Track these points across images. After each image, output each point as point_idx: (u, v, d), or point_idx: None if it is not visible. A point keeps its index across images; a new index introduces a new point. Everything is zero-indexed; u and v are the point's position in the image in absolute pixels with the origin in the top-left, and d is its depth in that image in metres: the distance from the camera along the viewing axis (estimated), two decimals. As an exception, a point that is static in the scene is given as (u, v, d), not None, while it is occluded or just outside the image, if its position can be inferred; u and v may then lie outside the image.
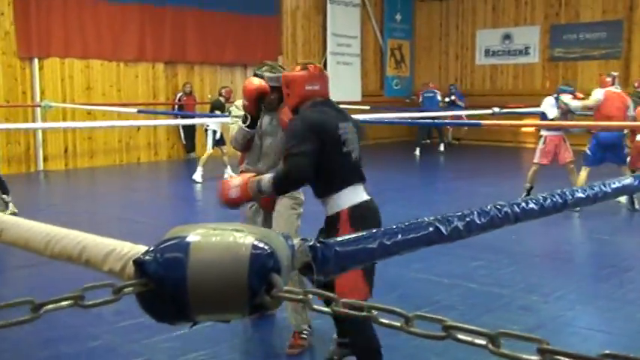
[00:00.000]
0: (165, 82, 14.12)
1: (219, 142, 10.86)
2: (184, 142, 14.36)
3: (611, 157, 8.02)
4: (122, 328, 4.06)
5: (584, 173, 7.93)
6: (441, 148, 15.81)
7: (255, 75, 3.93)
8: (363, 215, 3.04)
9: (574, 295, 4.94)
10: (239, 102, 4.17)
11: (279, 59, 16.08)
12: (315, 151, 2.96)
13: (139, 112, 10.49)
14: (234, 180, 3.10)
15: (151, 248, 0.98)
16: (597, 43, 16.34)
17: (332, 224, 3.07)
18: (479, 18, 18.51)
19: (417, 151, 14.94)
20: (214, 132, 10.77)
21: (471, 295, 4.87)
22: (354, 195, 3.07)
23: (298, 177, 2.98)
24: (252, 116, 3.86)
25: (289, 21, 16.42)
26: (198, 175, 10.52)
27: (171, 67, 14.26)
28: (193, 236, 0.97)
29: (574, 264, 6.05)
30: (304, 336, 3.77)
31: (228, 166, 10.89)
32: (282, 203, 3.86)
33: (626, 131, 8.18)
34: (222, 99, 10.98)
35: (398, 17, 18.94)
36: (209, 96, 14.60)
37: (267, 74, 3.86)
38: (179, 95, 14.08)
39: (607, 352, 0.72)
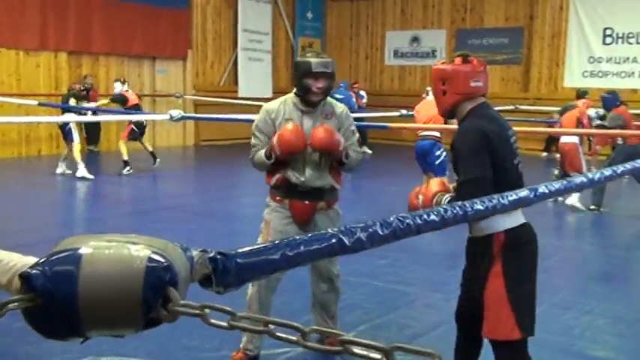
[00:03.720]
0: (68, 73, 13.60)
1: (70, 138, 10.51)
2: (85, 134, 13.91)
3: (425, 165, 7.85)
4: (18, 329, 3.86)
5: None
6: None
7: (297, 63, 3.50)
8: (520, 242, 2.72)
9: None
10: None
11: (188, 53, 15.85)
12: (491, 170, 2.64)
13: (40, 104, 10.04)
14: (422, 191, 2.87)
15: (40, 260, 0.93)
16: (500, 49, 16.99)
17: (481, 248, 2.77)
18: (388, 20, 18.86)
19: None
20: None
21: (377, 293, 4.95)
22: (515, 216, 2.69)
23: None
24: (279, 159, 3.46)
25: (200, 15, 16.19)
26: (83, 172, 10.05)
27: (75, 57, 13.76)
28: (86, 248, 0.93)
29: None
30: (248, 353, 3.61)
31: (63, 164, 10.61)
32: (330, 219, 3.60)
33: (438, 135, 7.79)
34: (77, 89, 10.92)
35: (309, 15, 19.03)
36: (115, 88, 14.20)
37: (314, 59, 3.43)
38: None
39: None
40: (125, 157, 10.72)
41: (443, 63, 2.87)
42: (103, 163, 11.93)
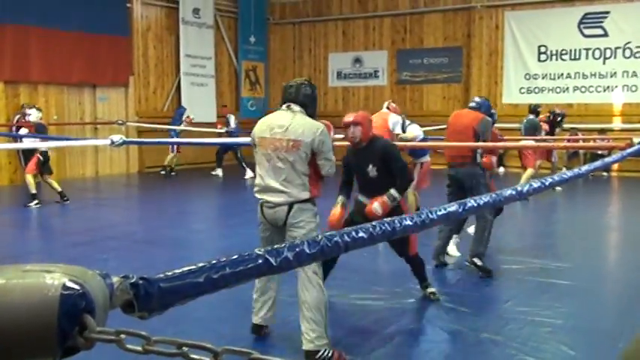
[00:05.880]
0: (5, 103, 13.30)
1: None
2: (24, 165, 13.54)
3: None
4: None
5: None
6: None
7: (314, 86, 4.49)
8: None
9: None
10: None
11: (130, 80, 15.70)
12: None
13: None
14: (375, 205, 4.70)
15: (-47, 293, 0.91)
16: (440, 68, 17.35)
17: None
18: (330, 42, 19.08)
19: (219, 172, 14.68)
20: None
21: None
22: None
23: None
24: None
25: (141, 41, 16.08)
26: None
27: (12, 87, 13.47)
28: (0, 279, 0.92)
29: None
30: None
31: None
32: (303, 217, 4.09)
33: None
34: None
35: (252, 39, 19.10)
36: (55, 117, 13.96)
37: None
38: (17, 117, 13.24)
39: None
40: (33, 191, 10.29)
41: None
42: (45, 193, 11.63)
